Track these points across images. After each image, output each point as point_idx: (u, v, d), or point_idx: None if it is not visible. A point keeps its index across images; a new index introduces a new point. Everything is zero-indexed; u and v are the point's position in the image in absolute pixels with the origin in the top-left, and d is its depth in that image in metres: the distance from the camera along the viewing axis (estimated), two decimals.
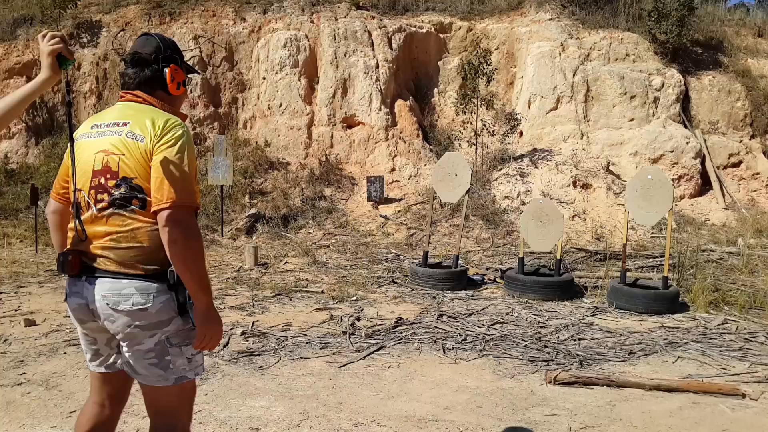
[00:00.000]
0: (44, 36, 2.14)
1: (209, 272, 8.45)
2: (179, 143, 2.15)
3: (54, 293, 7.21)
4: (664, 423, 3.85)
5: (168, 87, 2.34)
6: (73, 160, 2.23)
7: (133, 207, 2.13)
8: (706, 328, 6.12)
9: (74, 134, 2.30)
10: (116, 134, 2.18)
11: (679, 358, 5.21)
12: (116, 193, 2.13)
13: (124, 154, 2.15)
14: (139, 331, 2.14)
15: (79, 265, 2.18)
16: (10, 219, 11.84)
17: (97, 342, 2.32)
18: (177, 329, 2.19)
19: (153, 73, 2.31)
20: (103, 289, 2.13)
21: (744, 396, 4.29)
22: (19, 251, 10.00)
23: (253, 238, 11.47)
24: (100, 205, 2.16)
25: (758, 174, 13.90)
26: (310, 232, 11.79)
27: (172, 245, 2.06)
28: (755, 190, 13.77)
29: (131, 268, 2.13)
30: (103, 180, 2.16)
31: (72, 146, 2.23)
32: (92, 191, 2.17)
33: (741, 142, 14.41)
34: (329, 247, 10.83)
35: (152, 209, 2.10)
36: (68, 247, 2.25)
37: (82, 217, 2.19)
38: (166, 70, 2.32)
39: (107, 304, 2.12)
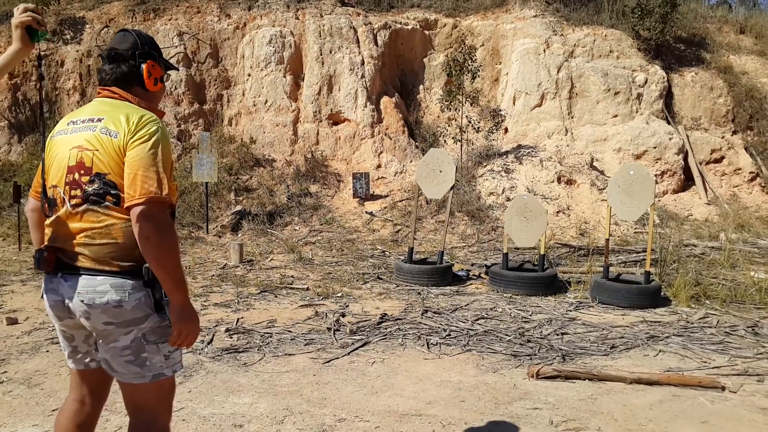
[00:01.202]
0: (17, 9, 2.15)
1: (195, 269, 8.45)
2: (153, 139, 2.15)
3: (37, 291, 7.16)
4: (644, 416, 3.89)
5: (145, 83, 2.33)
6: (43, 156, 2.23)
7: (107, 203, 2.13)
8: (688, 322, 6.19)
9: (52, 132, 2.30)
10: (90, 130, 2.18)
11: (660, 351, 5.27)
12: (90, 189, 2.12)
13: (98, 150, 2.14)
14: (115, 328, 2.14)
15: (54, 262, 2.18)
16: None
17: (75, 339, 2.32)
18: (153, 326, 2.19)
19: (130, 69, 2.31)
20: (78, 285, 2.12)
21: (723, 389, 4.35)
22: (1, 249, 9.91)
23: (239, 235, 11.45)
24: (74, 201, 2.15)
25: (740, 169, 14.06)
26: (295, 229, 11.78)
27: (145, 241, 2.05)
28: (737, 186, 13.93)
29: (106, 264, 2.12)
30: (77, 176, 2.15)
31: (44, 127, 2.23)
32: (66, 187, 2.17)
33: (723, 137, 14.56)
34: (315, 244, 10.83)
35: (125, 205, 2.09)
36: (44, 244, 2.24)
37: (57, 214, 2.19)
38: (143, 66, 2.32)
39: (82, 300, 2.12)
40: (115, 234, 2.13)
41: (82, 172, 2.15)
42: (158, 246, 2.05)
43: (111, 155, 2.13)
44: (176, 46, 14.85)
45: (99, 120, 2.19)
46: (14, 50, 2.15)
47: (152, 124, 2.18)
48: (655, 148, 13.78)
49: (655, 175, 13.42)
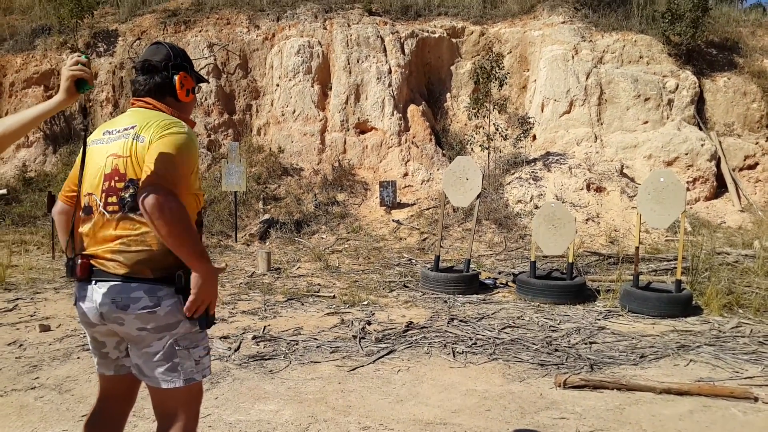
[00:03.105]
0: (71, 57, 2.21)
1: (223, 277, 8.55)
2: (176, 140, 2.19)
3: (69, 299, 7.30)
4: (674, 426, 3.82)
5: (177, 93, 2.39)
6: (82, 166, 2.28)
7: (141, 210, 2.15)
8: (720, 332, 6.07)
9: (87, 139, 2.36)
10: (124, 138, 2.24)
11: (691, 361, 5.17)
12: (126, 195, 2.17)
13: (129, 157, 2.20)
14: (148, 334, 2.18)
15: (88, 269, 2.21)
16: (28, 226, 12.02)
17: (106, 345, 2.36)
18: (185, 332, 2.23)
19: (163, 80, 2.37)
20: (112, 292, 2.16)
21: (756, 400, 4.25)
22: (36, 258, 10.13)
23: (267, 243, 11.54)
24: (110, 208, 2.20)
25: None
26: (322, 238, 11.84)
27: (160, 228, 2.04)
28: None
29: (140, 272, 2.16)
30: (112, 183, 2.21)
31: (83, 162, 2.28)
32: (103, 194, 2.22)
33: (757, 143, 14.26)
34: (342, 252, 10.86)
35: (138, 197, 2.09)
36: (78, 251, 2.29)
37: (93, 221, 2.23)
38: (176, 77, 2.37)
39: (116, 307, 2.16)
40: (149, 241, 2.17)
41: (117, 178, 2.20)
42: (169, 226, 2.04)
43: (140, 160, 2.18)
44: (206, 57, 15.08)
45: (132, 128, 2.25)
46: (60, 100, 2.20)
47: (179, 128, 2.24)
48: (686, 154, 13.56)
49: (687, 182, 13.20)
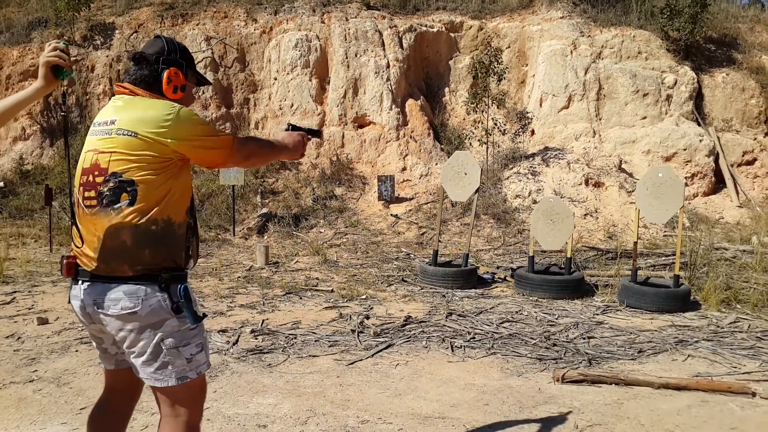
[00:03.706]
0: (48, 45, 2.19)
1: (221, 270, 8.55)
2: (186, 120, 2.18)
3: (67, 292, 7.28)
4: (671, 421, 3.83)
5: (163, 89, 2.31)
6: (72, 160, 2.27)
7: (120, 204, 2.11)
8: (718, 327, 6.08)
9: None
10: (106, 134, 2.18)
11: (689, 356, 5.18)
12: (104, 189, 2.12)
13: (114, 152, 2.13)
14: (130, 334, 2.15)
15: (74, 269, 2.20)
16: (25, 219, 11.99)
17: (104, 341, 2.36)
18: (171, 331, 2.17)
19: (151, 72, 2.31)
20: (93, 293, 2.15)
21: (754, 395, 4.25)
22: (33, 251, 10.11)
23: (265, 237, 11.53)
24: (88, 203, 2.16)
25: None
26: (321, 232, 11.83)
27: (261, 164, 2.60)
28: None
29: (117, 269, 2.12)
30: (91, 177, 2.16)
31: (67, 153, 2.28)
32: (81, 188, 2.19)
33: (755, 139, 14.27)
34: (340, 246, 10.86)
35: (217, 168, 2.42)
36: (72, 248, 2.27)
37: (78, 215, 2.21)
38: (165, 72, 2.31)
39: (97, 308, 2.14)
40: (123, 236, 2.11)
41: (97, 173, 2.15)
42: (261, 160, 2.49)
43: (129, 154, 2.12)
44: (204, 51, 15.03)
45: (112, 122, 2.19)
46: (38, 87, 2.18)
47: (170, 108, 2.19)
48: (685, 150, 13.56)
49: (685, 178, 13.21)
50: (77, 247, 2.21)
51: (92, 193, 2.15)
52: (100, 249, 2.13)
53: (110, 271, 2.12)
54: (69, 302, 2.30)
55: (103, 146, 2.17)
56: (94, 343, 2.40)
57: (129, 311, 2.11)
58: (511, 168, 13.22)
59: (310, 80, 14.85)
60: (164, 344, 2.17)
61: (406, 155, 14.10)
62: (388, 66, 14.87)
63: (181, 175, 2.22)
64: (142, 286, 2.12)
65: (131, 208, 2.11)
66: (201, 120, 2.25)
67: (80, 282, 2.19)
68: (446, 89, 16.00)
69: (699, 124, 14.24)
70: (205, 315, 2.32)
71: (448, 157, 12.56)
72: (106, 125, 2.21)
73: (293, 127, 2.60)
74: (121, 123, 2.16)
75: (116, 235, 2.11)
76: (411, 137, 14.37)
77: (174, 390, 2.23)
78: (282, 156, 2.52)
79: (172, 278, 2.17)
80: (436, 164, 13.81)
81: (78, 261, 2.20)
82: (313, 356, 5.04)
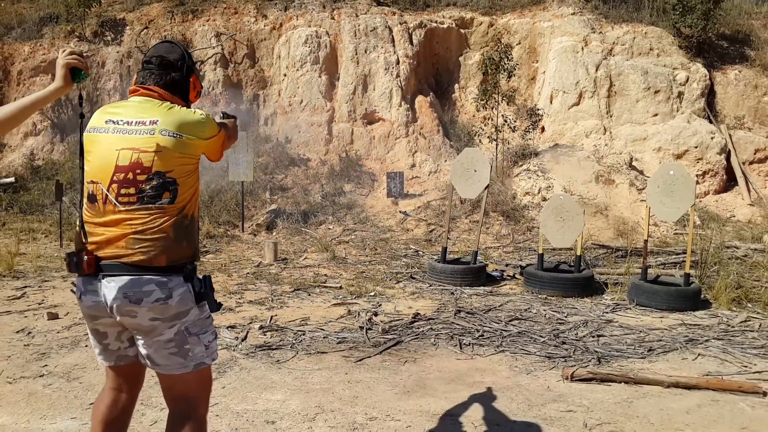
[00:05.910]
0: (63, 50, 2.29)
1: (230, 266, 8.60)
2: (210, 122, 2.43)
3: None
4: (681, 420, 3.80)
5: (189, 94, 2.51)
6: (82, 153, 2.29)
7: (162, 201, 2.22)
8: (728, 326, 6.03)
9: (87, 126, 2.36)
10: (148, 133, 2.24)
11: (699, 355, 5.15)
12: (147, 187, 2.21)
13: (160, 152, 2.22)
14: (160, 323, 2.22)
15: (94, 264, 2.21)
16: (36, 214, 12.05)
17: (108, 337, 2.37)
18: (195, 319, 2.30)
19: (180, 78, 2.45)
20: (124, 287, 2.17)
21: (765, 394, 4.22)
22: (44, 246, 10.17)
23: (273, 233, 11.54)
24: (124, 199, 2.20)
25: None
26: (329, 228, 11.83)
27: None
28: None
29: (156, 260, 2.20)
30: (131, 175, 2.21)
31: (81, 151, 2.30)
32: (114, 185, 2.21)
33: None
34: (348, 243, 10.85)
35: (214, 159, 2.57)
36: (83, 243, 2.27)
37: (101, 212, 2.23)
38: (191, 79, 2.49)
39: (129, 301, 2.17)
40: (166, 229, 2.23)
41: (139, 171, 2.22)
42: (229, 142, 2.64)
43: (174, 154, 2.25)
44: (214, 47, 15.06)
45: (153, 122, 2.26)
46: (55, 87, 2.27)
47: (200, 116, 2.39)
48: (696, 147, 13.47)
49: (697, 175, 13.12)
50: (92, 243, 2.23)
51: (131, 190, 2.21)
52: (142, 241, 2.19)
53: (149, 261, 2.19)
54: (79, 298, 2.30)
55: (145, 145, 2.23)
56: (93, 340, 2.42)
57: (162, 302, 2.19)
58: (521, 165, 13.17)
59: (320, 76, 14.84)
60: (188, 332, 2.28)
61: (416, 152, 14.08)
62: (397, 62, 14.85)
63: (197, 173, 2.39)
64: (171, 277, 2.23)
65: (172, 205, 2.24)
66: (214, 120, 2.50)
67: (102, 276, 2.21)
68: (456, 86, 15.95)
69: (711, 122, 14.13)
70: (221, 304, 2.47)
71: (458, 153, 12.53)
72: (145, 125, 2.26)
73: (225, 115, 2.84)
74: (165, 124, 2.25)
75: (160, 227, 2.22)
76: (420, 134, 14.34)
77: (186, 378, 2.31)
78: (232, 139, 2.70)
79: (194, 271, 2.32)
80: (446, 161, 13.78)
81: (101, 255, 2.22)
82: (322, 353, 5.04)
